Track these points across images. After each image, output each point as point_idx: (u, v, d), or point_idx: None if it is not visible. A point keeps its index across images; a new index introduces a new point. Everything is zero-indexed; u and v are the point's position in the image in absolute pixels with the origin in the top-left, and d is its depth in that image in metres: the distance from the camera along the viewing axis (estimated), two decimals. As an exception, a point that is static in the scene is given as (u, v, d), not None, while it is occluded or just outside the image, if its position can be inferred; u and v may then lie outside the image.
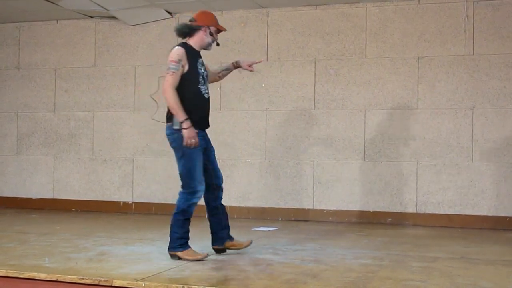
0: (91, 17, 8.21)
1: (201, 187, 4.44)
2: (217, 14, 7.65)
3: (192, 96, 4.39)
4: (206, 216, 4.73)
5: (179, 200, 4.46)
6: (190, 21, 4.57)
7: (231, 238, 4.73)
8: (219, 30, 4.62)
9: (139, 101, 8.02)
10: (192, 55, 4.46)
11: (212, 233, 4.72)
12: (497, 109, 6.79)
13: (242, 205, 7.50)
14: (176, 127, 4.33)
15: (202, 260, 4.37)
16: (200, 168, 4.42)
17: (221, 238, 4.70)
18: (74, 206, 8.17)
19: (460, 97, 6.91)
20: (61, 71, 8.38)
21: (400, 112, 7.09)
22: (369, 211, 7.13)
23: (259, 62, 4.99)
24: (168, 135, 4.43)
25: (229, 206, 7.48)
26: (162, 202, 7.78)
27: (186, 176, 4.40)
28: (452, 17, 6.98)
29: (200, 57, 4.56)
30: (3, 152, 8.57)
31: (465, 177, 6.86)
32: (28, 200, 8.38)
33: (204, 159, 4.49)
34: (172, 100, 4.28)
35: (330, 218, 7.23)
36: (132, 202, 7.96)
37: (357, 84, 7.23)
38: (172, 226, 4.46)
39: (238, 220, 7.25)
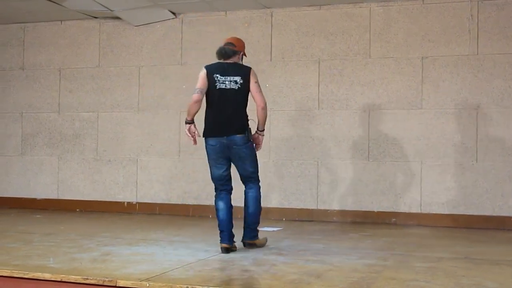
0: (95, 17, 8.23)
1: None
2: (221, 15, 7.71)
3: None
4: None
5: (254, 192, 5.11)
6: (229, 44, 5.12)
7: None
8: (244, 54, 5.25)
9: (143, 102, 8.03)
10: None
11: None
12: (502, 109, 6.78)
13: (246, 205, 7.49)
14: (251, 139, 4.98)
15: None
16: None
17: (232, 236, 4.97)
18: (78, 207, 8.19)
19: (465, 97, 6.90)
20: (66, 72, 8.40)
21: (404, 112, 7.08)
22: (373, 211, 7.12)
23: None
24: (243, 144, 4.91)
25: (233, 206, 7.49)
26: (166, 202, 7.79)
27: (256, 170, 5.10)
28: (456, 17, 6.97)
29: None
30: (8, 152, 8.59)
31: (469, 177, 6.84)
32: (33, 200, 8.40)
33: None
34: (266, 115, 5.10)
35: (334, 218, 7.22)
36: (136, 202, 7.97)
37: (361, 84, 7.23)
38: None
39: (242, 220, 7.24)
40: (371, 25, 7.24)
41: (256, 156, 5.02)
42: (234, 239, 4.84)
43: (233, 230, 4.84)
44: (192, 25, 7.89)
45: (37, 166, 8.43)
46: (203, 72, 4.95)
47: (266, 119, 5.01)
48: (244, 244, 4.98)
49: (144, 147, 8.00)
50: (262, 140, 5.05)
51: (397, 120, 7.09)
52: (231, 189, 5.00)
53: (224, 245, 4.75)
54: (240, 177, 5.02)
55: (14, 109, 8.59)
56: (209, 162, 4.96)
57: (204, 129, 4.91)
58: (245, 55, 5.21)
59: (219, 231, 4.83)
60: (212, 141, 4.87)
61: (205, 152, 4.93)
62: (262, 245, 5.05)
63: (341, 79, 7.31)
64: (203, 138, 4.92)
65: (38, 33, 8.55)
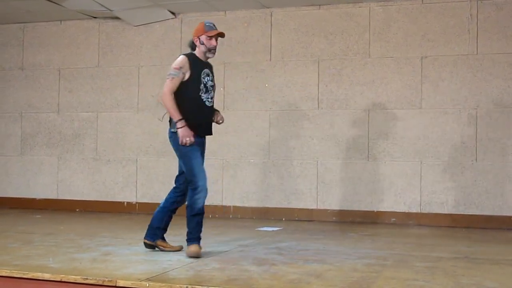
0: (95, 17, 8.22)
1: (201, 182, 4.57)
2: (220, 15, 7.70)
3: (192, 103, 4.62)
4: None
5: (187, 197, 4.69)
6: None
7: (163, 238, 4.86)
8: (211, 36, 4.68)
9: (143, 102, 8.03)
10: (196, 65, 4.67)
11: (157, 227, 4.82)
12: (501, 109, 6.78)
13: (246, 205, 7.50)
14: (173, 130, 4.61)
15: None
16: (199, 165, 4.62)
17: (155, 235, 4.81)
18: (78, 207, 8.19)
19: (464, 96, 6.90)
20: (65, 72, 8.40)
21: (403, 111, 7.08)
22: (373, 211, 7.12)
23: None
24: (169, 137, 4.71)
25: (233, 206, 7.50)
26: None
27: (188, 174, 4.61)
28: (455, 17, 6.97)
29: (207, 68, 4.74)
30: (7, 152, 8.59)
31: (469, 177, 6.84)
32: (32, 201, 8.40)
33: None
34: (168, 103, 4.54)
35: (334, 218, 7.22)
36: (136, 202, 7.97)
37: (361, 84, 7.23)
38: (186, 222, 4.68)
39: (242, 220, 7.26)
40: (370, 25, 7.24)
41: (185, 153, 4.57)
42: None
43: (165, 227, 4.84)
44: (192, 25, 7.86)
45: (37, 166, 8.43)
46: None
47: (168, 109, 4.52)
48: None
49: (144, 147, 8.00)
50: (180, 133, 4.49)
51: (396, 120, 7.09)
52: (177, 187, 4.83)
53: (145, 240, 4.80)
54: None
55: (14, 109, 8.59)
56: None
57: None
58: (210, 35, 4.65)
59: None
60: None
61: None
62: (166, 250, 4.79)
63: (340, 78, 7.31)
64: None
65: (38, 33, 8.55)
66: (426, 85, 7.02)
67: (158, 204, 7.77)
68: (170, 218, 4.88)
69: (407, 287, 3.64)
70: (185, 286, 3.54)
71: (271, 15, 7.58)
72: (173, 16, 7.90)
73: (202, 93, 4.63)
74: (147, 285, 3.60)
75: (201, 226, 4.64)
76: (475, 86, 6.88)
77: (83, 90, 8.30)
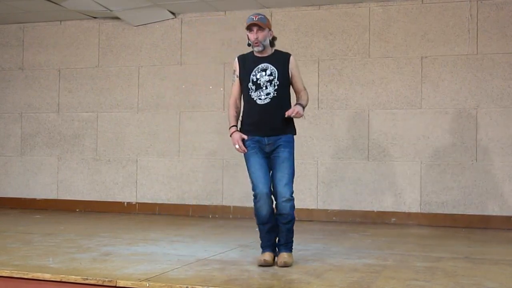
0: (95, 17, 8.22)
1: (258, 190, 4.28)
2: (220, 15, 7.71)
3: (245, 104, 4.47)
4: None
5: None
6: None
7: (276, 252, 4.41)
8: (247, 29, 4.56)
9: (143, 102, 8.03)
10: (247, 62, 4.52)
11: None
12: (501, 109, 6.78)
13: (246, 205, 7.49)
14: None
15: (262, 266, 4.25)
16: (255, 171, 4.33)
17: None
18: (78, 207, 8.19)
19: (464, 96, 6.90)
20: (65, 72, 8.40)
21: (403, 111, 7.08)
22: (373, 211, 7.12)
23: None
24: None
25: (233, 206, 7.49)
26: (166, 202, 7.79)
27: (250, 179, 4.38)
28: (455, 17, 6.97)
29: (267, 62, 4.46)
30: (7, 152, 8.59)
31: (469, 177, 6.84)
32: (32, 201, 8.40)
33: (268, 166, 4.38)
34: (228, 110, 4.51)
35: (334, 218, 7.22)
36: (136, 203, 7.97)
37: (361, 84, 7.23)
38: None
39: (242, 220, 7.25)
40: (370, 25, 7.24)
41: (245, 159, 4.47)
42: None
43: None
44: (192, 25, 7.89)
45: (37, 166, 8.43)
46: None
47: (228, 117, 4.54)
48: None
49: (144, 147, 8.00)
50: (232, 143, 4.44)
51: (396, 120, 7.09)
52: None
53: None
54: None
55: (14, 109, 8.59)
56: None
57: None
58: (247, 28, 4.56)
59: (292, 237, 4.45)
60: None
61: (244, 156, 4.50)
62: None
63: (340, 78, 7.31)
64: (294, 135, 4.56)
65: (38, 33, 8.55)
66: (426, 85, 7.02)
67: (158, 204, 7.87)
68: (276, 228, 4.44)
69: (407, 287, 3.63)
70: (185, 286, 3.54)
71: (271, 15, 7.58)
72: (173, 16, 7.90)
73: (251, 91, 4.39)
74: (147, 285, 3.60)
75: (263, 234, 4.38)
76: (475, 86, 6.88)
77: (83, 90, 8.30)
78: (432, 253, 4.91)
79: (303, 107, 4.39)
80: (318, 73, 7.38)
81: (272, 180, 4.33)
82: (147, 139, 7.98)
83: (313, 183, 7.33)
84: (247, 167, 4.37)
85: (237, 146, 4.36)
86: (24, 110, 8.54)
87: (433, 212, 6.94)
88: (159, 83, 7.95)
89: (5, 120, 8.63)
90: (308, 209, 7.32)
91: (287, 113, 4.26)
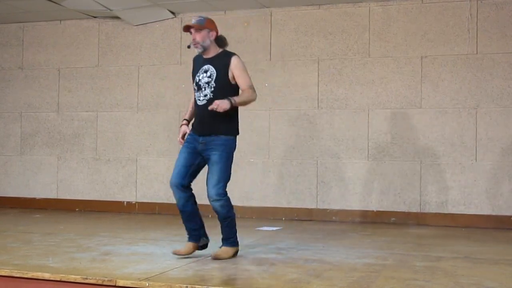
0: (95, 17, 8.22)
1: (171, 181, 4.52)
2: (220, 14, 7.71)
3: (193, 103, 4.70)
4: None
5: None
6: None
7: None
8: (184, 31, 4.64)
9: (143, 101, 8.03)
10: (196, 63, 4.68)
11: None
12: (501, 108, 6.78)
13: (246, 204, 7.50)
14: None
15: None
16: (176, 163, 4.55)
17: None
18: (78, 206, 8.19)
19: (464, 96, 6.90)
20: (65, 71, 8.39)
21: (403, 111, 7.08)
22: (373, 211, 7.12)
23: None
24: None
25: (233, 206, 7.48)
26: (166, 202, 7.78)
27: None
28: (455, 16, 6.97)
29: (209, 63, 4.52)
30: (7, 152, 8.59)
31: (469, 176, 6.84)
32: (32, 200, 8.40)
33: (198, 162, 4.55)
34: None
35: (334, 218, 7.22)
36: (136, 202, 7.97)
37: (361, 84, 7.23)
38: None
39: (242, 219, 7.24)
40: (370, 25, 7.24)
41: None
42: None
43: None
44: (191, 25, 7.87)
45: (37, 166, 8.43)
46: None
47: None
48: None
49: (144, 146, 8.00)
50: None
51: (396, 120, 7.09)
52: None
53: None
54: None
55: (13, 109, 8.59)
56: (232, 160, 4.59)
57: (238, 125, 4.63)
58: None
59: (235, 232, 4.61)
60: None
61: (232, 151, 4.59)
62: None
63: (340, 78, 7.31)
64: (233, 137, 4.57)
65: (37, 33, 8.54)
66: (426, 85, 7.02)
67: (157, 203, 7.86)
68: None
69: (406, 286, 3.64)
70: (184, 285, 3.54)
71: (271, 15, 7.58)
72: (173, 16, 7.90)
73: (195, 92, 4.56)
74: (147, 284, 3.60)
75: (183, 222, 4.63)
76: (475, 86, 6.88)
77: (83, 89, 8.30)
78: (432, 253, 4.92)
79: (232, 102, 4.33)
80: (318, 73, 7.38)
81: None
82: (147, 138, 7.98)
83: (312, 183, 7.33)
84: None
85: (178, 139, 4.64)
86: (24, 110, 8.54)
87: (433, 211, 6.94)
88: (159, 83, 7.95)
89: (5, 120, 8.62)
90: (307, 209, 7.32)
91: (209, 108, 4.33)
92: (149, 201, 7.90)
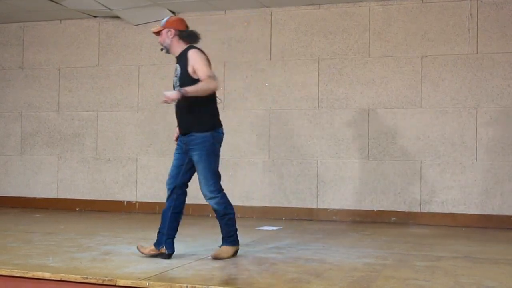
0: (95, 16, 8.22)
1: (166, 181, 4.64)
2: (220, 14, 7.71)
3: None
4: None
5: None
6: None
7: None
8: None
9: (143, 101, 8.03)
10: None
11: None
12: (501, 108, 6.78)
13: (246, 204, 7.50)
14: None
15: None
16: (171, 167, 4.62)
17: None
18: (78, 206, 8.19)
19: (464, 96, 6.90)
20: (65, 71, 8.40)
21: (404, 111, 7.08)
22: (373, 210, 7.12)
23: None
24: None
25: (233, 206, 7.48)
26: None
27: None
28: (455, 16, 6.97)
29: (178, 63, 4.50)
30: (7, 151, 8.59)
31: (469, 176, 6.84)
32: (32, 200, 8.40)
33: (187, 162, 4.54)
34: None
35: (334, 217, 7.22)
36: (136, 202, 7.97)
37: (361, 83, 7.23)
38: None
39: (242, 219, 7.24)
40: (370, 24, 7.24)
41: None
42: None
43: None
44: (192, 24, 7.80)
45: (37, 166, 8.43)
46: (206, 56, 4.43)
47: None
48: None
49: (144, 146, 8.00)
50: None
51: (396, 119, 7.09)
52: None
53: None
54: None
55: (14, 109, 8.59)
56: (215, 156, 4.48)
57: (216, 118, 4.53)
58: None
59: (235, 231, 4.55)
60: (222, 129, 4.55)
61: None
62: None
63: (340, 78, 7.31)
64: (209, 133, 4.45)
65: (38, 32, 8.55)
66: (426, 85, 7.02)
67: (158, 203, 7.85)
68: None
69: (407, 286, 3.64)
70: (185, 285, 3.54)
71: (271, 15, 7.58)
72: (173, 16, 7.89)
73: None
74: (147, 284, 3.60)
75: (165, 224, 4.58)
76: (475, 86, 6.88)
77: (83, 89, 8.30)
78: (432, 253, 4.92)
79: (182, 92, 4.18)
80: (318, 73, 7.38)
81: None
82: (147, 138, 7.98)
83: (313, 183, 7.33)
84: None
85: (173, 139, 4.69)
86: (24, 109, 8.54)
87: (433, 211, 6.94)
88: (159, 82, 7.95)
89: (5, 119, 8.63)
90: (308, 208, 7.33)
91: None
92: (150, 200, 7.90)
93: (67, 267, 4.05)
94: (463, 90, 6.91)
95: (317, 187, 7.32)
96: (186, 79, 4.36)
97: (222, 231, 4.57)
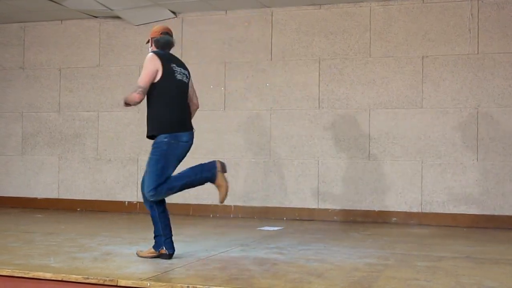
0: (96, 17, 8.23)
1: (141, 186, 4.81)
2: (221, 14, 7.71)
3: None
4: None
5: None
6: (171, 33, 4.85)
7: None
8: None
9: (144, 101, 8.00)
10: None
11: None
12: (502, 108, 6.78)
13: (247, 204, 7.50)
14: None
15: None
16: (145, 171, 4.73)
17: None
18: (79, 206, 8.19)
19: (465, 96, 6.90)
20: (66, 71, 8.40)
21: (404, 111, 7.08)
22: (374, 211, 7.12)
23: None
24: None
25: (234, 206, 7.50)
26: (167, 201, 7.76)
27: None
28: (456, 16, 6.97)
29: None
30: (8, 152, 8.59)
31: (470, 176, 6.84)
32: (33, 200, 8.40)
33: None
34: None
35: (335, 218, 7.22)
36: (137, 202, 7.97)
37: (362, 83, 7.23)
38: None
39: (243, 219, 7.26)
40: (371, 24, 7.24)
41: None
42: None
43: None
44: (192, 25, 7.89)
45: (38, 166, 8.44)
46: (157, 62, 4.53)
47: None
48: None
49: (145, 146, 7.98)
50: None
51: (397, 119, 7.09)
52: None
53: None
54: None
55: (14, 109, 8.59)
56: (167, 160, 4.45)
57: (170, 122, 4.53)
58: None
59: (165, 237, 4.48)
60: (186, 136, 4.48)
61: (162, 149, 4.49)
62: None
63: (341, 78, 7.31)
64: (163, 135, 4.49)
65: (39, 33, 8.55)
66: (427, 85, 7.02)
67: (159, 203, 7.85)
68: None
69: (408, 286, 3.64)
70: (185, 285, 3.54)
71: (272, 15, 7.58)
72: (174, 16, 7.90)
73: None
74: (148, 284, 3.60)
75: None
76: (476, 86, 6.88)
77: (84, 89, 8.30)
78: (433, 253, 4.91)
79: (124, 99, 4.76)
80: (319, 73, 7.38)
81: None
82: (148, 138, 7.96)
83: (314, 183, 7.33)
84: None
85: None
86: (25, 110, 8.55)
87: (434, 211, 6.94)
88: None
89: (6, 120, 8.63)
90: (309, 209, 7.32)
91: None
92: (150, 201, 7.89)
93: (68, 267, 4.05)
94: (464, 90, 6.91)
95: (318, 187, 7.32)
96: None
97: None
